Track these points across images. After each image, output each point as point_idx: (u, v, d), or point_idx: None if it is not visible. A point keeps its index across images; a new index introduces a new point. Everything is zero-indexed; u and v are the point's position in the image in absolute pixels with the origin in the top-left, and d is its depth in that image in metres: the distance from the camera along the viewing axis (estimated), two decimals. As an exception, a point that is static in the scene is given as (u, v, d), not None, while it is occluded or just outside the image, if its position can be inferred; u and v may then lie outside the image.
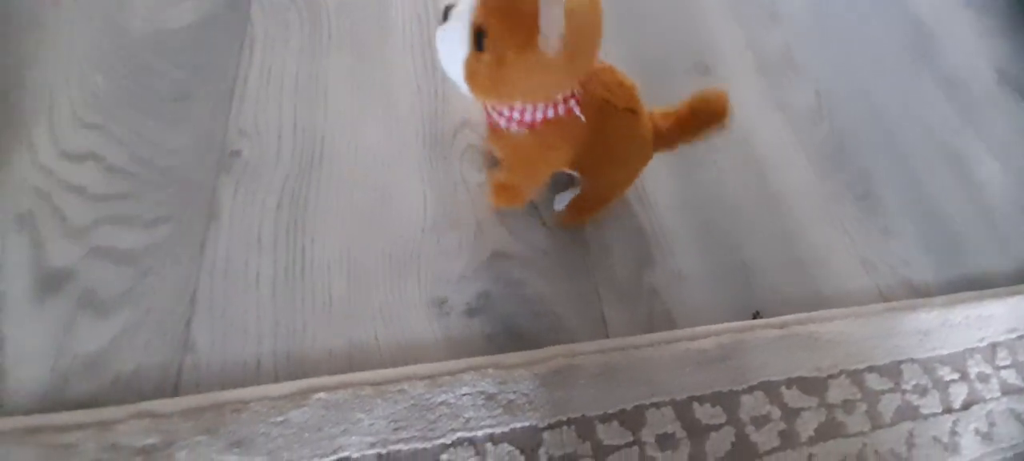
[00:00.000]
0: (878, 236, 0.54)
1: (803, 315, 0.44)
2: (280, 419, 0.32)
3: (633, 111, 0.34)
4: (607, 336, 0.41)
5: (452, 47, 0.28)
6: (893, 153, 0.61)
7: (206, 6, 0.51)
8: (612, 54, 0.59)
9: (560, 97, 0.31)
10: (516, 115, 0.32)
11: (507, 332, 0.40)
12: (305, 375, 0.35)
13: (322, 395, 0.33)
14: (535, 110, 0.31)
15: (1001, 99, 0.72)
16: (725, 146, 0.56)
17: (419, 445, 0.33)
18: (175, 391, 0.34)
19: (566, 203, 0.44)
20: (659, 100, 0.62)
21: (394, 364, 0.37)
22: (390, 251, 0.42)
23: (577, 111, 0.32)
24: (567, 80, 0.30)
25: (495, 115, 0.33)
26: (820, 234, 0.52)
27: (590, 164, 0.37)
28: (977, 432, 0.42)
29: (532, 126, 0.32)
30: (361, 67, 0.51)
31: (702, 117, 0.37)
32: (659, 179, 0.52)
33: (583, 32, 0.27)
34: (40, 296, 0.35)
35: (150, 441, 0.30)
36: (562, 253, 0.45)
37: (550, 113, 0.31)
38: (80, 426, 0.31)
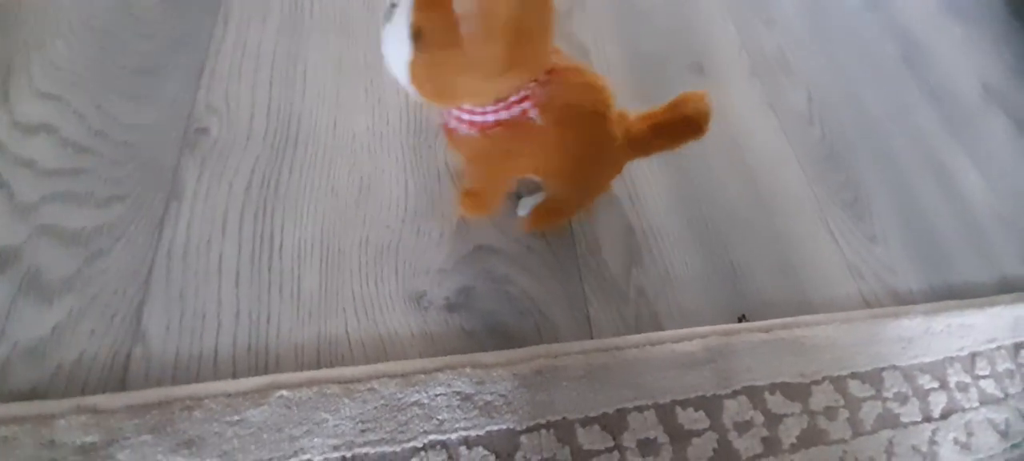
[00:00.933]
0: (864, 242, 0.54)
1: (789, 319, 0.44)
2: (236, 418, 0.29)
3: (600, 115, 0.31)
4: (592, 336, 0.40)
5: (395, 48, 0.26)
6: (881, 160, 0.61)
7: (178, -26, 0.48)
8: (608, 52, 0.60)
9: (512, 98, 0.29)
10: (465, 116, 0.29)
11: (488, 329, 0.38)
12: (268, 370, 0.33)
13: (284, 393, 0.31)
14: (484, 112, 0.29)
15: (985, 112, 0.73)
16: (717, 146, 0.55)
17: (387, 448, 0.31)
18: (122, 384, 0.31)
19: (529, 209, 0.42)
20: (654, 99, 0.61)
21: (367, 361, 0.35)
22: (367, 240, 0.40)
23: (533, 114, 0.29)
24: (511, 78, 0.27)
25: (446, 116, 0.31)
26: (808, 238, 0.52)
27: (554, 171, 0.34)
28: (955, 442, 0.42)
29: (483, 128, 0.29)
30: (343, 47, 0.49)
31: (681, 123, 0.34)
32: (650, 177, 0.51)
33: (519, 25, 0.24)
34: (-23, 277, 0.32)
35: (90, 439, 0.28)
36: (549, 250, 0.43)
37: (503, 115, 0.29)
38: (17, 419, 0.28)
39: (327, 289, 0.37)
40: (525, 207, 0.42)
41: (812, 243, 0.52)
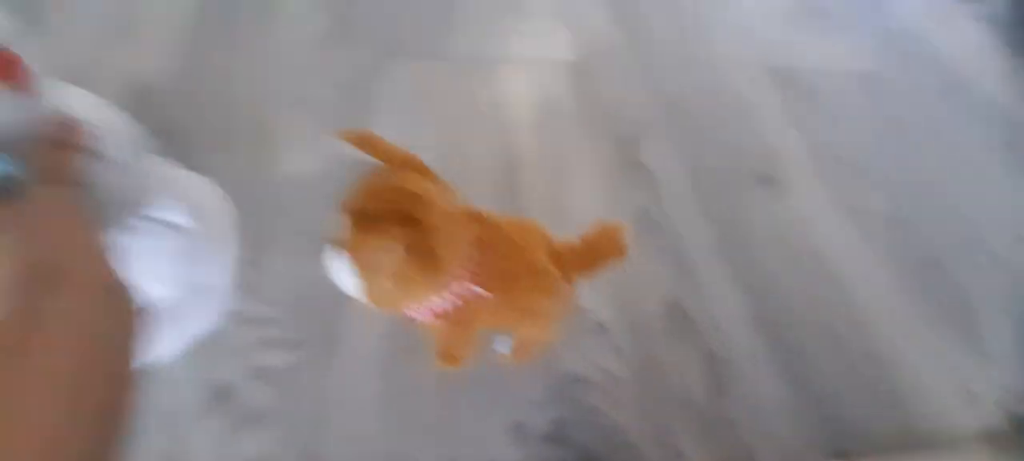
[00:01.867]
0: (977, 361, 0.50)
1: (896, 459, 0.42)
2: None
3: (533, 269, 0.34)
4: (685, 472, 0.42)
5: (344, 278, 0.29)
6: (988, 263, 0.57)
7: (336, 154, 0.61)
8: (673, 173, 0.62)
9: (453, 286, 0.32)
10: (422, 312, 0.33)
11: (585, 461, 0.42)
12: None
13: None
14: (433, 306, 0.32)
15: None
16: (796, 261, 0.55)
17: None
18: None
19: (506, 346, 0.44)
20: (725, 215, 0.59)
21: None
22: (471, 374, 0.44)
23: (478, 290, 0.32)
24: (444, 277, 0.30)
25: (406, 311, 0.34)
26: (910, 358, 0.49)
27: (513, 323, 0.38)
28: None
29: (437, 315, 0.33)
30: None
31: (601, 251, 0.37)
32: (729, 301, 0.51)
33: (446, 248, 0.28)
34: (209, 407, 0.44)
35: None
36: (634, 379, 0.46)
37: (448, 303, 0.32)
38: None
39: (445, 420, 0.43)
40: (504, 344, 0.45)
41: (914, 364, 0.49)
